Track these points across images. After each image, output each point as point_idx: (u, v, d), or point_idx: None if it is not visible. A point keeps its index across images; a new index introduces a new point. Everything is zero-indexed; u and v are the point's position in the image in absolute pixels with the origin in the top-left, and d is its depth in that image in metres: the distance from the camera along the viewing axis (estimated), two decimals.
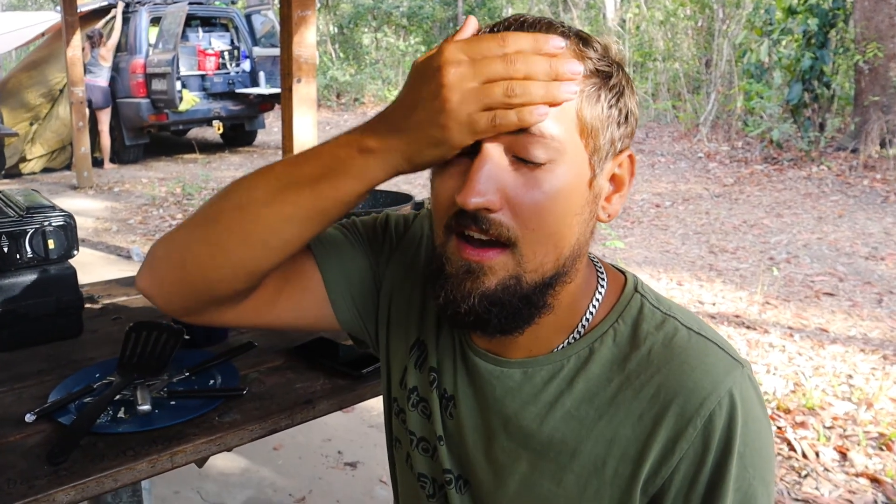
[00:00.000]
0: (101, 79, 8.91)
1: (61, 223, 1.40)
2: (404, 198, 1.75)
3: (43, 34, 10.08)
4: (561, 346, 0.83)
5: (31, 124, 8.71)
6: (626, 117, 0.77)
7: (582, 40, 0.74)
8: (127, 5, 9.63)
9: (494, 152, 0.71)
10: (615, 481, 0.78)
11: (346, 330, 1.00)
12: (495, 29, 0.74)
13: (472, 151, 0.72)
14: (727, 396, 0.74)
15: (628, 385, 0.78)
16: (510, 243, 0.73)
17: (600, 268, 0.87)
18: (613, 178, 0.80)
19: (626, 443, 0.77)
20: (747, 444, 0.75)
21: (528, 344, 0.83)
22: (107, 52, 8.97)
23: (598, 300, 0.84)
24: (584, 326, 0.83)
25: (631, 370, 0.79)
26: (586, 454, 0.79)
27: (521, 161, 0.71)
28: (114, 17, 9.27)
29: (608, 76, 0.75)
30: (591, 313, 0.83)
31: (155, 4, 9.68)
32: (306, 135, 3.05)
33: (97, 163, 9.08)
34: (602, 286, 0.85)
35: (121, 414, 1.14)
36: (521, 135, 0.70)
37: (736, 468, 0.75)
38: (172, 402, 1.18)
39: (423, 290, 0.94)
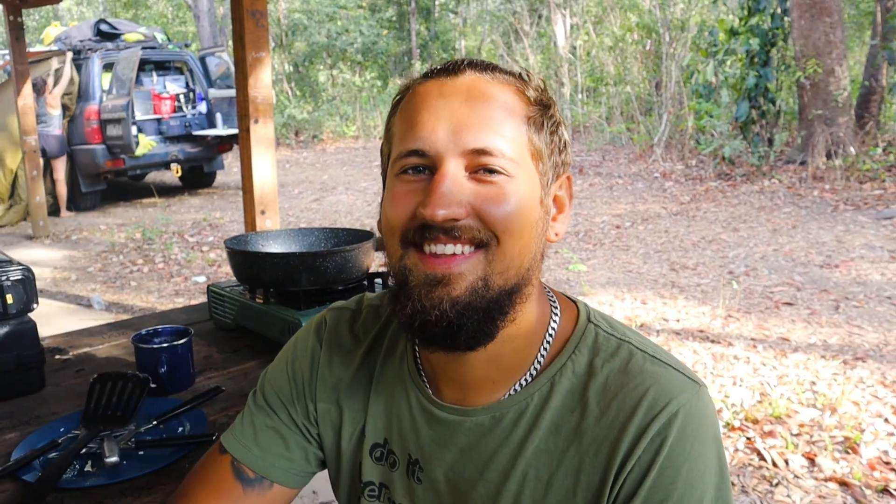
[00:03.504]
0: (53, 126, 8.81)
1: (19, 277, 1.39)
2: (366, 235, 1.76)
3: None
4: (521, 382, 0.85)
5: None
6: (564, 146, 0.85)
7: (522, 77, 0.83)
8: (78, 52, 9.56)
9: (454, 168, 0.76)
10: None
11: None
12: (448, 67, 0.81)
13: (431, 168, 0.77)
14: (679, 412, 0.77)
15: (589, 413, 0.80)
16: (483, 244, 0.77)
17: (553, 298, 0.90)
18: (556, 200, 0.86)
19: (591, 469, 0.79)
20: (693, 461, 0.77)
21: (490, 379, 0.85)
22: (53, 99, 8.87)
23: (553, 330, 0.86)
24: (542, 357, 0.85)
25: (590, 399, 0.81)
26: (558, 486, 0.81)
27: (482, 177, 0.77)
28: (61, 66, 9.18)
29: (548, 107, 0.83)
30: (547, 345, 0.85)
31: (107, 50, 9.63)
32: (266, 175, 3.05)
33: (53, 211, 8.95)
34: (555, 318, 0.87)
35: (88, 468, 1.13)
36: (483, 155, 0.76)
37: (674, 486, 0.76)
38: (141, 452, 1.17)
39: (354, 380, 0.96)
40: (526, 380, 0.85)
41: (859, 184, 7.78)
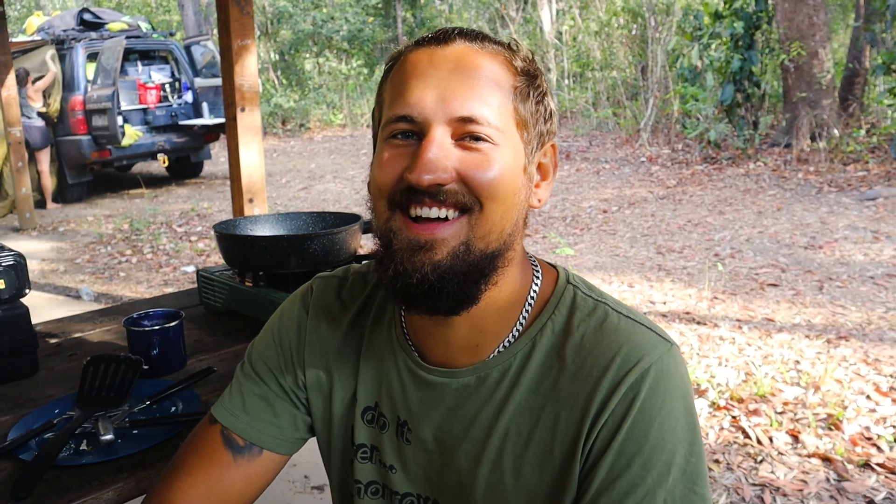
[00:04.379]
0: (35, 119, 8.76)
1: (11, 262, 1.41)
2: (352, 218, 1.78)
3: None
4: (504, 344, 0.88)
5: None
6: (550, 115, 0.88)
7: (510, 47, 0.85)
8: (62, 42, 9.49)
9: (441, 135, 0.79)
10: (562, 462, 0.83)
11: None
12: (438, 35, 0.84)
13: (418, 134, 0.81)
14: (651, 368, 0.80)
15: (566, 370, 0.84)
16: (467, 209, 0.80)
17: (535, 264, 0.93)
18: (540, 167, 0.89)
19: (567, 424, 0.83)
20: (664, 416, 0.80)
21: (474, 343, 0.88)
22: (34, 92, 8.81)
23: (534, 293, 0.90)
24: (524, 319, 0.88)
25: (567, 356, 0.84)
26: (537, 441, 0.84)
27: (468, 144, 0.80)
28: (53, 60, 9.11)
29: (534, 77, 0.85)
30: (529, 306, 0.89)
31: (91, 40, 9.55)
32: (253, 163, 3.06)
33: (40, 204, 8.90)
34: (537, 281, 0.91)
35: (83, 446, 1.15)
36: (469, 123, 0.80)
37: (646, 439, 0.79)
38: (135, 432, 1.20)
39: (343, 346, 0.98)
40: (509, 341, 0.88)
41: (843, 165, 7.86)
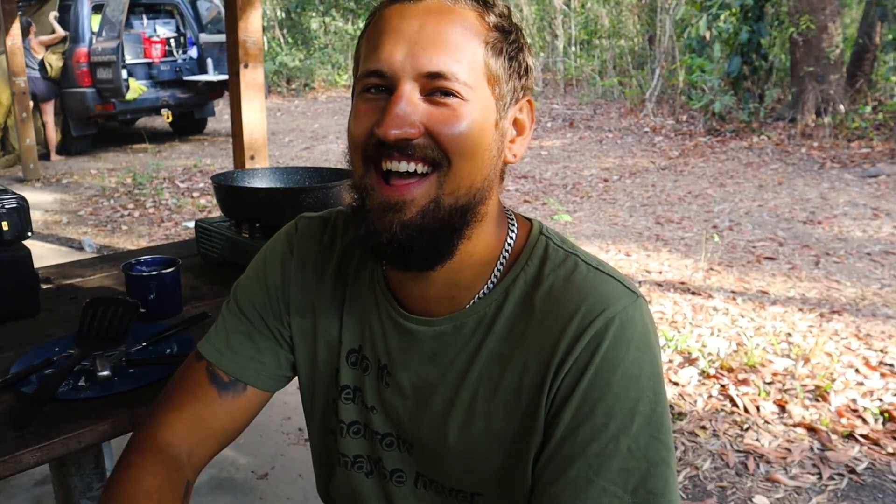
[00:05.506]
0: (39, 70, 8.74)
1: (14, 205, 1.43)
2: (348, 173, 1.80)
3: None
4: (480, 295, 0.91)
5: None
6: (526, 70, 0.88)
7: (485, 2, 0.86)
8: None
9: (409, 90, 0.81)
10: (528, 407, 0.86)
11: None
12: None
13: (389, 89, 0.82)
14: (616, 318, 0.83)
15: (533, 318, 0.86)
16: (435, 163, 0.82)
17: (511, 217, 0.95)
18: (516, 123, 0.90)
19: (534, 370, 0.85)
20: (628, 364, 0.82)
21: (450, 295, 0.91)
22: (37, 44, 8.77)
23: (509, 245, 0.92)
24: (499, 271, 0.91)
25: (536, 305, 0.87)
26: (505, 387, 0.87)
27: (437, 99, 0.81)
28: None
29: (508, 33, 0.86)
30: (504, 258, 0.91)
31: None
32: (255, 119, 3.07)
33: (44, 155, 8.91)
34: (512, 233, 0.93)
35: (81, 382, 1.19)
36: (437, 78, 0.81)
37: (609, 387, 0.82)
38: (131, 370, 1.24)
39: (328, 289, 1.01)
40: (484, 292, 0.91)
41: (847, 142, 7.83)
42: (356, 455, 1.00)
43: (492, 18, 0.85)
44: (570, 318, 0.84)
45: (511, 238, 0.92)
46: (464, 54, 0.82)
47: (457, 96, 0.81)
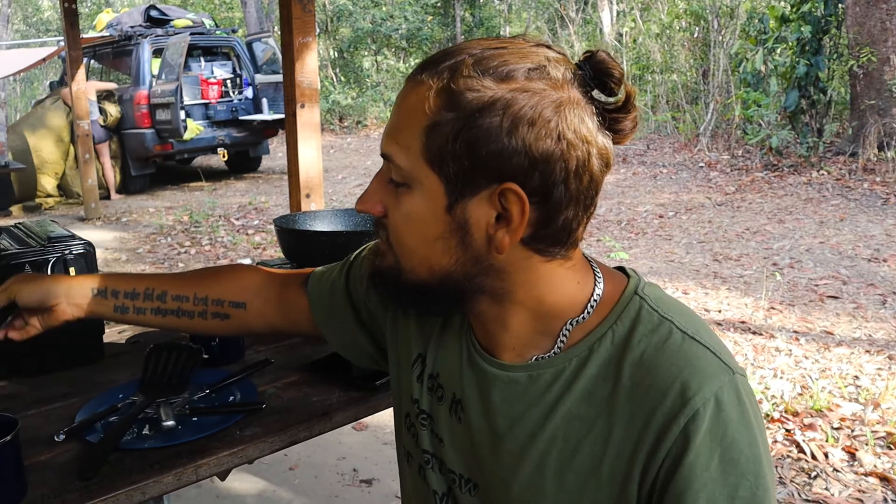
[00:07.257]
0: (94, 114, 9.06)
1: (81, 251, 1.46)
2: None
3: (44, 59, 10.26)
4: (559, 347, 0.86)
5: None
6: (503, 154, 0.75)
7: (458, 73, 0.76)
8: (129, 38, 9.77)
9: (385, 170, 0.84)
10: (611, 480, 0.81)
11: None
12: (414, 70, 0.83)
13: None
14: (712, 399, 0.77)
15: (620, 385, 0.81)
16: (390, 244, 0.85)
17: (597, 271, 0.90)
18: (503, 213, 0.79)
19: (620, 442, 0.80)
20: (726, 450, 0.77)
21: (514, 347, 0.89)
22: (90, 87, 9.11)
23: (594, 302, 0.86)
24: (568, 331, 0.86)
25: (625, 372, 0.81)
26: (585, 453, 0.83)
27: (394, 183, 0.83)
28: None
29: (477, 109, 0.75)
30: (587, 314, 0.86)
31: (157, 36, 9.82)
32: (311, 158, 3.10)
33: (104, 196, 9.20)
34: (598, 287, 0.87)
35: (145, 431, 1.19)
36: (387, 161, 0.82)
37: (708, 472, 0.77)
38: (195, 419, 1.23)
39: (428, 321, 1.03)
40: (562, 342, 0.86)
41: None
42: (433, 490, 0.99)
43: (451, 91, 0.76)
44: (663, 396, 0.78)
45: (597, 295, 0.87)
46: (402, 135, 0.80)
47: (401, 183, 0.81)
